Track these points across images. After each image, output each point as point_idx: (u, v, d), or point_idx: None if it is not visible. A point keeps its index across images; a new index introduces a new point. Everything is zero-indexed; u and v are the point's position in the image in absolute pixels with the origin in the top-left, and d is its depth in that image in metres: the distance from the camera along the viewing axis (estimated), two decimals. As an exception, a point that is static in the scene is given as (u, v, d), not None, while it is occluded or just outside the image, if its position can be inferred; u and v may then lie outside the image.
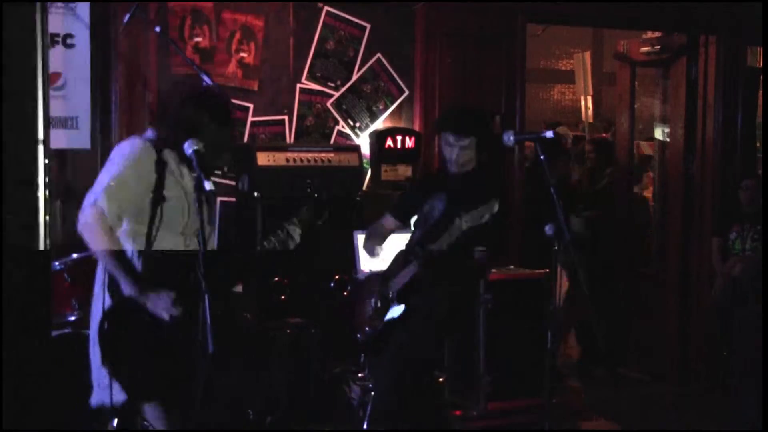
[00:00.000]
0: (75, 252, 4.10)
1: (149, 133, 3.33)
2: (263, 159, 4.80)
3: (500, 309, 4.91)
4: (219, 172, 4.98)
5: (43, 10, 2.22)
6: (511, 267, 5.24)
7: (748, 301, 5.30)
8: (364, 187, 5.22)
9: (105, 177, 3.13)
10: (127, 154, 3.18)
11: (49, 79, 2.20)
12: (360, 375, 4.52)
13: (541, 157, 3.50)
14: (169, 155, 3.22)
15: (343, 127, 5.40)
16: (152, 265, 3.17)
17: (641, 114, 7.30)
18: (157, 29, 4.62)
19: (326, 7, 5.30)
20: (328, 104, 5.36)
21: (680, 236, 6.34)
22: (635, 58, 6.81)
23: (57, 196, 4.36)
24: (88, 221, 3.05)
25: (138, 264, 3.15)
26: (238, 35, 5.11)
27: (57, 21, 4.65)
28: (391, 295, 3.91)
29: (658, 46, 6.54)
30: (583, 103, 11.28)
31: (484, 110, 4.06)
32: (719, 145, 6.17)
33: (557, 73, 15.02)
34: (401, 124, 5.50)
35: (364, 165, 5.24)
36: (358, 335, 4.04)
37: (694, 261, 6.24)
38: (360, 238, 4.74)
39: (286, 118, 5.25)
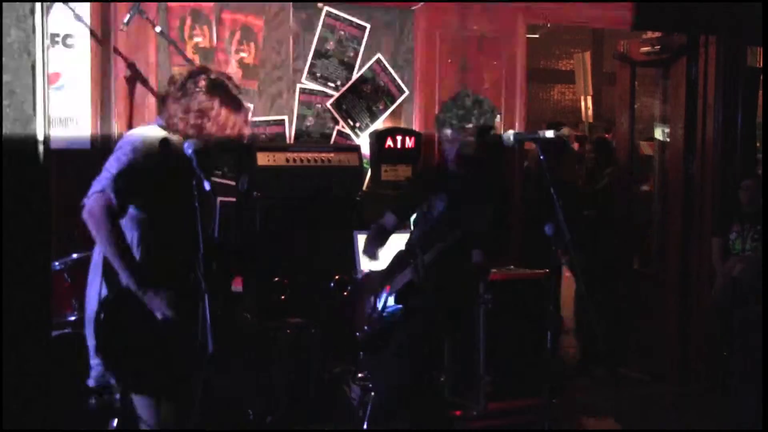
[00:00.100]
0: (75, 252, 4.10)
1: (158, 120, 3.31)
2: (263, 159, 4.80)
3: (500, 309, 4.91)
4: (219, 172, 4.99)
5: (43, 10, 2.22)
6: (511, 267, 5.24)
7: (748, 301, 5.30)
8: (364, 187, 5.23)
9: (113, 164, 3.09)
10: (136, 142, 3.15)
11: (49, 79, 2.19)
12: (360, 375, 4.52)
13: (541, 157, 3.50)
14: (177, 143, 3.20)
15: (343, 127, 5.40)
16: (152, 257, 3.16)
17: (641, 114, 7.30)
18: (157, 29, 4.62)
19: (326, 7, 5.30)
20: (328, 104, 5.36)
21: (680, 236, 6.34)
22: (635, 58, 6.81)
23: (57, 195, 4.36)
24: (93, 209, 3.02)
25: (137, 252, 3.14)
26: (238, 35, 5.11)
27: (57, 21, 4.65)
28: (390, 295, 3.91)
29: (658, 46, 6.54)
30: (583, 103, 11.29)
31: (482, 100, 4.00)
32: (719, 145, 6.17)
33: (557, 73, 15.04)
34: (401, 124, 5.50)
35: (364, 165, 5.24)
36: (357, 333, 4.04)
37: (694, 261, 6.24)
38: (360, 238, 4.74)
39: (286, 118, 5.25)
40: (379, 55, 5.46)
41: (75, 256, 4.10)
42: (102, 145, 4.79)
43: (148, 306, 3.02)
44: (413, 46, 5.51)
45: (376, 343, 3.94)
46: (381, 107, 5.50)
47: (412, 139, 5.32)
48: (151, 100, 4.85)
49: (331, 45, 5.34)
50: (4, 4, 2.05)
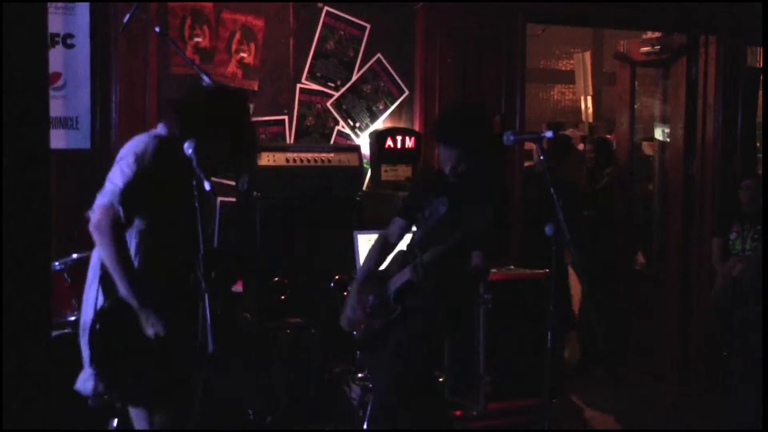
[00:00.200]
0: (75, 252, 4.10)
1: (160, 128, 3.30)
2: (263, 159, 4.80)
3: (500, 309, 4.92)
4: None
5: (43, 10, 2.23)
6: (511, 267, 5.24)
7: (748, 301, 5.30)
8: (364, 187, 5.23)
9: (118, 177, 3.06)
10: (138, 152, 3.12)
11: (49, 79, 2.19)
12: (360, 375, 4.52)
13: (541, 157, 3.50)
14: (181, 151, 3.19)
15: (343, 127, 5.40)
16: (151, 265, 3.16)
17: (641, 114, 7.30)
18: (157, 29, 4.62)
19: (326, 7, 5.30)
20: (328, 104, 5.36)
21: (680, 236, 6.34)
22: (635, 58, 6.81)
23: (57, 195, 4.36)
24: (101, 223, 3.00)
25: (136, 260, 3.13)
26: (238, 35, 5.11)
27: (57, 21, 4.65)
28: (389, 295, 3.90)
29: (658, 46, 6.54)
30: (583, 103, 11.29)
31: (478, 111, 3.97)
32: (719, 145, 6.17)
33: (557, 73, 15.03)
34: (401, 124, 5.50)
35: (364, 165, 5.24)
36: (354, 332, 4.03)
37: (694, 261, 6.24)
38: (360, 238, 4.74)
39: (286, 118, 5.25)
40: (379, 55, 5.46)
41: (75, 256, 4.10)
42: (102, 145, 4.79)
43: (143, 323, 3.01)
44: (413, 46, 5.51)
45: (374, 342, 3.93)
46: (381, 107, 5.50)
47: (412, 139, 5.32)
48: (152, 100, 4.85)
49: (331, 45, 5.34)
50: (4, 4, 2.05)
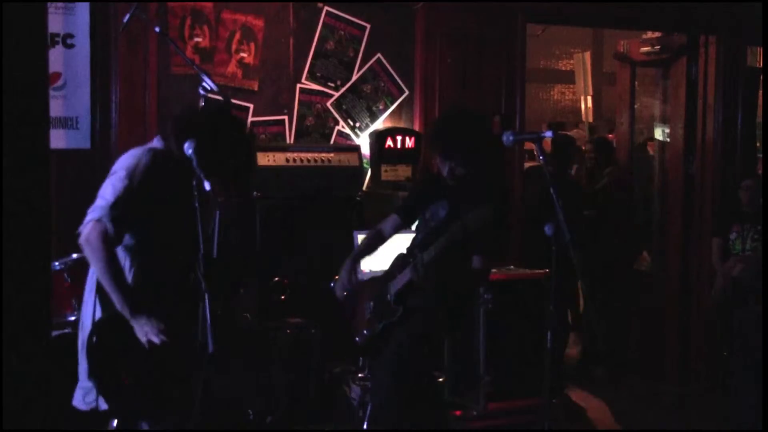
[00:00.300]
0: (75, 252, 4.10)
1: (156, 142, 3.29)
2: (263, 159, 4.80)
3: (500, 309, 4.91)
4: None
5: (43, 10, 2.23)
6: (511, 267, 5.24)
7: (748, 301, 5.30)
8: (364, 187, 5.22)
9: (109, 192, 3.06)
10: (132, 167, 3.12)
11: (49, 79, 2.20)
12: (360, 375, 4.52)
13: (541, 157, 3.50)
14: (177, 166, 3.19)
15: (343, 127, 5.40)
16: (145, 282, 3.16)
17: (641, 114, 7.30)
18: (157, 29, 4.61)
19: (326, 7, 5.30)
20: (328, 104, 5.36)
21: (680, 236, 6.34)
22: (635, 58, 6.81)
23: (57, 195, 4.36)
24: (90, 237, 3.01)
25: (129, 275, 3.14)
26: (238, 35, 5.11)
27: (57, 21, 4.65)
28: (389, 297, 3.91)
29: (658, 46, 6.54)
30: (583, 103, 11.29)
31: (472, 117, 3.94)
32: (719, 145, 6.17)
33: (557, 73, 15.03)
34: (401, 124, 5.50)
35: (364, 165, 5.24)
36: (356, 338, 4.04)
37: (694, 261, 6.24)
38: (360, 238, 4.73)
39: (286, 118, 5.25)
40: (379, 55, 5.46)
41: (75, 256, 4.10)
42: (102, 145, 4.79)
43: (136, 333, 3.01)
44: (413, 46, 5.51)
45: (376, 345, 3.93)
46: (381, 107, 5.50)
47: (412, 139, 5.32)
48: (152, 100, 4.85)
49: (331, 45, 5.34)
50: (4, 4, 2.05)
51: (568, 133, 8.17)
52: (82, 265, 4.01)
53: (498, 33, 5.61)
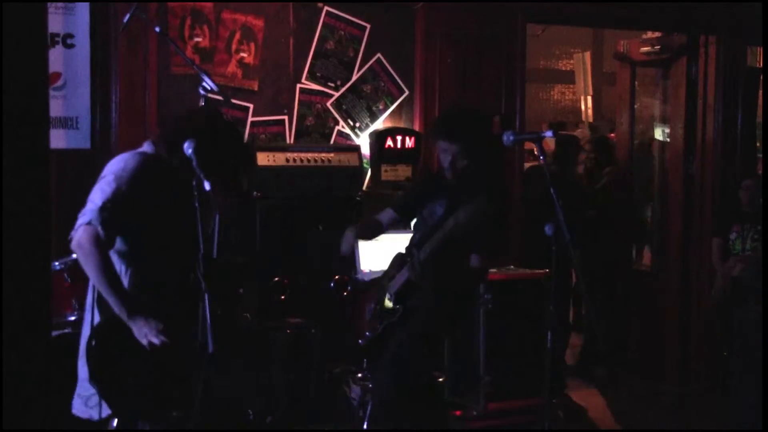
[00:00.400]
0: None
1: (146, 147, 3.28)
2: (263, 159, 4.80)
3: (500, 309, 4.92)
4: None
5: (43, 10, 2.23)
6: (511, 267, 5.24)
7: (748, 301, 5.30)
8: (364, 187, 5.22)
9: (98, 196, 3.06)
10: (118, 171, 3.12)
11: (49, 79, 2.20)
12: (360, 375, 4.52)
13: (541, 157, 3.50)
14: (168, 171, 3.19)
15: (343, 127, 5.40)
16: (143, 285, 3.16)
17: (641, 114, 7.30)
18: (157, 29, 4.61)
19: (326, 7, 5.30)
20: (328, 104, 5.36)
21: (680, 236, 6.34)
22: (635, 58, 6.81)
23: (57, 195, 4.36)
24: (82, 241, 3.00)
25: (125, 280, 3.13)
26: (238, 35, 5.11)
27: (57, 21, 4.65)
28: (388, 297, 3.91)
29: (658, 46, 6.54)
30: (583, 103, 11.29)
31: (476, 112, 3.99)
32: (719, 145, 6.17)
33: (557, 73, 15.03)
34: (401, 124, 5.50)
35: (364, 165, 5.24)
36: (360, 341, 4.05)
37: (694, 261, 6.24)
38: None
39: (286, 118, 5.25)
40: (379, 55, 5.46)
41: (75, 256, 4.09)
42: (102, 145, 4.79)
43: (135, 335, 3.00)
44: (413, 46, 5.51)
45: (377, 346, 3.94)
46: (381, 107, 5.50)
47: (412, 139, 5.32)
48: (152, 100, 4.85)
49: (331, 45, 5.34)
50: (4, 4, 2.05)
51: (573, 134, 8.18)
52: (82, 265, 4.01)
53: (498, 33, 5.61)
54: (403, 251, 4.02)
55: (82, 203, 3.15)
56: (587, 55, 11.49)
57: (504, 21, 5.62)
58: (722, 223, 5.78)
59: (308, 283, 4.79)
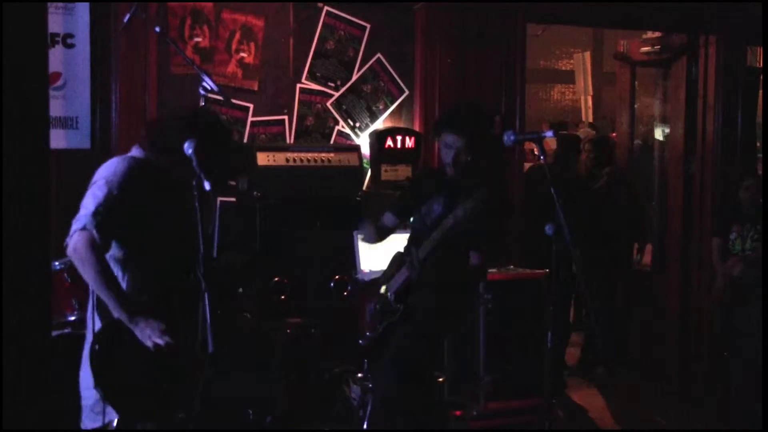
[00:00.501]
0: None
1: (135, 151, 3.28)
2: (263, 159, 4.80)
3: (500, 309, 4.92)
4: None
5: (43, 10, 2.23)
6: (511, 267, 5.24)
7: (748, 301, 5.30)
8: (364, 187, 5.22)
9: (90, 201, 3.06)
10: (110, 174, 3.12)
11: (49, 79, 2.20)
12: (360, 375, 4.52)
13: (541, 157, 3.50)
14: (158, 174, 3.19)
15: (343, 127, 5.40)
16: (141, 289, 3.16)
17: (641, 114, 7.30)
18: (157, 29, 4.61)
19: (326, 7, 5.30)
20: (328, 104, 5.36)
21: (680, 236, 6.34)
22: (635, 58, 6.81)
23: (57, 195, 4.36)
24: (77, 247, 3.00)
25: (123, 284, 3.13)
26: (238, 35, 5.11)
27: (57, 21, 4.65)
28: (389, 296, 3.91)
29: (658, 46, 6.54)
30: (583, 103, 11.30)
31: (482, 108, 4.01)
32: (719, 145, 6.17)
33: (557, 73, 15.05)
34: (401, 124, 5.50)
35: (364, 165, 5.24)
36: (360, 341, 4.04)
37: (694, 261, 6.24)
38: (360, 238, 4.74)
39: (286, 118, 5.25)
40: (379, 55, 5.46)
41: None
42: (102, 145, 4.79)
43: (139, 337, 3.00)
44: (413, 46, 5.51)
45: (378, 348, 3.93)
46: (381, 107, 5.50)
47: (412, 139, 5.32)
48: (152, 100, 4.85)
49: (331, 45, 5.34)
50: (4, 4, 2.05)
51: (578, 132, 8.19)
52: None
53: (498, 33, 5.60)
54: (402, 250, 4.02)
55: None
56: (587, 55, 11.52)
57: (504, 21, 5.61)
58: (722, 223, 5.78)
59: (308, 283, 4.79)
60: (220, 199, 4.86)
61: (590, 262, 6.13)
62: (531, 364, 4.91)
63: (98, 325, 3.11)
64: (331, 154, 4.98)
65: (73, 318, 4.17)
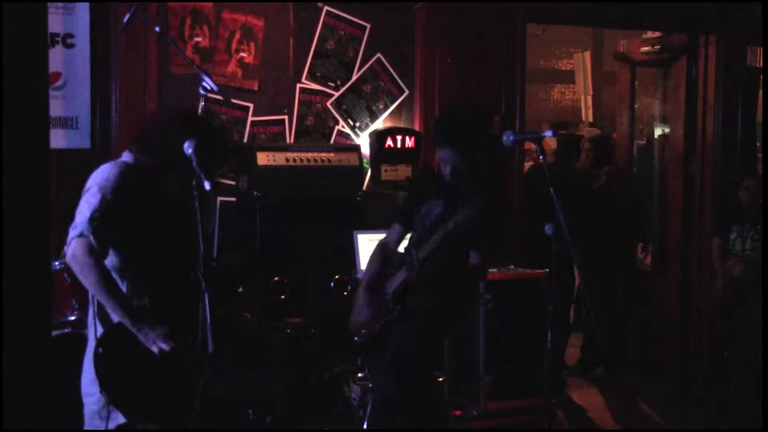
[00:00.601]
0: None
1: (126, 156, 3.28)
2: (263, 159, 4.80)
3: (500, 309, 4.91)
4: (219, 172, 4.99)
5: (43, 10, 2.23)
6: (511, 267, 5.24)
7: (748, 301, 5.30)
8: (364, 187, 5.22)
9: (85, 208, 3.06)
10: (103, 180, 3.11)
11: (49, 79, 2.20)
12: (360, 375, 4.52)
13: (541, 157, 3.50)
14: (151, 177, 3.19)
15: (343, 127, 5.40)
16: (140, 294, 3.15)
17: (641, 114, 7.29)
18: (157, 29, 4.62)
19: (326, 7, 5.30)
20: (328, 104, 5.36)
21: (680, 236, 6.34)
22: (635, 58, 6.81)
23: (57, 195, 4.36)
24: (76, 254, 2.99)
25: (123, 288, 3.13)
26: (238, 35, 5.11)
27: (57, 21, 4.65)
28: (387, 296, 3.90)
29: (658, 46, 6.54)
30: (583, 103, 11.30)
31: (476, 112, 3.94)
32: (719, 145, 6.17)
33: (557, 73, 15.05)
34: (401, 124, 5.50)
35: (364, 165, 5.24)
36: (356, 338, 4.04)
37: (694, 261, 6.24)
38: (360, 238, 4.74)
39: (286, 118, 5.25)
40: (379, 55, 5.46)
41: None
42: (102, 145, 4.79)
43: (143, 342, 3.00)
44: (413, 46, 5.51)
45: (375, 345, 3.93)
46: (381, 107, 5.50)
47: (412, 139, 5.32)
48: (152, 100, 4.86)
49: (331, 45, 5.34)
50: (4, 4, 2.05)
51: (581, 132, 8.18)
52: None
53: (498, 33, 5.60)
54: (402, 251, 4.02)
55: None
56: (587, 55, 11.51)
57: (504, 21, 5.61)
58: (722, 223, 5.78)
59: (308, 283, 4.79)
60: (220, 199, 4.86)
61: (590, 262, 6.13)
62: (531, 364, 4.91)
63: (100, 330, 3.11)
64: (331, 154, 4.98)
65: (73, 318, 4.17)
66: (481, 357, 4.91)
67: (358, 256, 4.81)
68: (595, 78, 12.18)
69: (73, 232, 3.03)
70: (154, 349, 2.99)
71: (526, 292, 5.05)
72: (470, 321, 4.76)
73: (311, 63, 5.30)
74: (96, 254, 3.00)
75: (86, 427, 3.20)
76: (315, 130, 5.33)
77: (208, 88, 4.45)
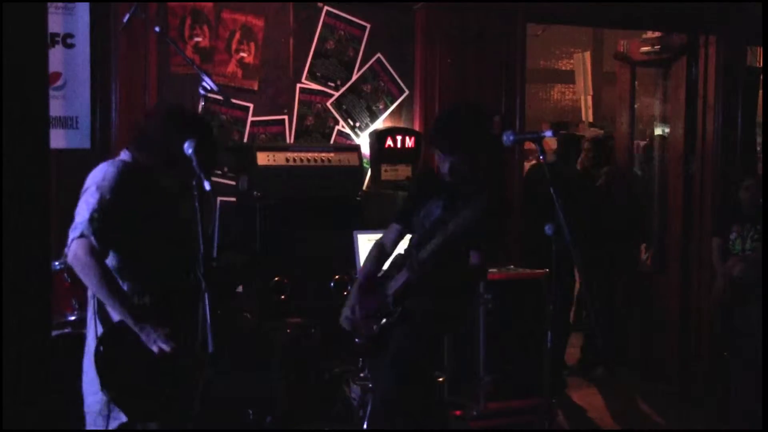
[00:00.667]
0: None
1: (124, 155, 3.28)
2: (263, 159, 4.79)
3: (500, 309, 4.92)
4: (219, 172, 4.99)
5: (43, 10, 2.23)
6: (511, 267, 5.24)
7: (748, 301, 5.30)
8: (364, 187, 5.22)
9: (84, 208, 3.06)
10: (100, 180, 3.11)
11: (49, 79, 2.20)
12: (360, 375, 4.52)
13: (541, 157, 3.50)
14: (148, 176, 3.19)
15: (343, 127, 5.40)
16: (141, 294, 3.15)
17: (641, 114, 7.29)
18: (157, 29, 4.62)
19: (326, 7, 5.30)
20: (328, 104, 5.36)
21: (680, 236, 6.34)
22: (635, 58, 6.81)
23: (57, 195, 4.36)
24: (78, 255, 2.99)
25: (124, 287, 3.13)
26: (238, 35, 5.11)
27: (57, 21, 4.65)
28: (388, 297, 3.90)
29: (658, 46, 6.54)
30: (583, 103, 11.29)
31: (474, 113, 3.92)
32: (719, 145, 6.17)
33: (557, 73, 15.04)
34: (401, 124, 5.50)
35: (364, 165, 5.24)
36: (357, 339, 4.04)
37: (694, 261, 6.24)
38: (360, 238, 4.74)
39: (286, 118, 5.25)
40: (379, 55, 5.46)
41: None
42: (102, 145, 4.79)
43: (144, 342, 3.00)
44: (413, 46, 5.51)
45: (375, 346, 3.93)
46: (381, 107, 5.50)
47: (412, 139, 5.32)
48: (152, 100, 4.86)
49: (331, 45, 5.34)
50: (4, 4, 2.05)
51: (584, 132, 8.18)
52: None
53: (498, 33, 5.60)
54: (402, 253, 4.02)
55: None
56: (587, 55, 11.50)
57: (504, 21, 5.61)
58: (722, 223, 5.78)
59: (308, 283, 4.79)
60: (220, 199, 4.86)
61: (590, 262, 6.13)
62: (531, 364, 4.91)
63: (100, 330, 3.11)
64: (331, 154, 4.98)
65: (73, 318, 4.17)
66: (481, 357, 4.91)
67: (358, 256, 4.80)
68: (595, 78, 12.16)
69: (73, 233, 3.02)
70: (155, 348, 2.99)
71: (526, 292, 5.06)
72: (470, 321, 4.76)
73: (311, 63, 5.30)
74: (97, 254, 3.00)
75: (87, 427, 3.20)
76: (315, 130, 5.33)
77: (208, 88, 4.45)
